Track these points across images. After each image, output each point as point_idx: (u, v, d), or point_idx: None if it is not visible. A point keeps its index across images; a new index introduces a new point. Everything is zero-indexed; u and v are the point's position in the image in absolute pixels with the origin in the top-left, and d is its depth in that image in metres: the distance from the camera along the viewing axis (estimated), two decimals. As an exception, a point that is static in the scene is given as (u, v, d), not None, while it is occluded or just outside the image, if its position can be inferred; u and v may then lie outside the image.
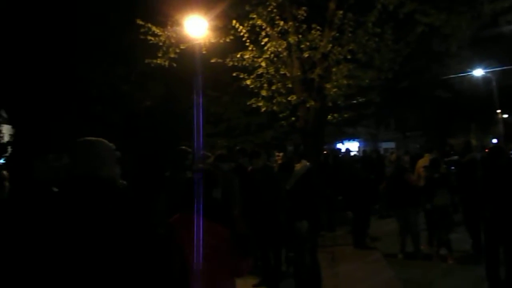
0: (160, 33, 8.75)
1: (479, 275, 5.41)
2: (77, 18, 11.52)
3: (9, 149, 12.45)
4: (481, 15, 8.99)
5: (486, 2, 8.87)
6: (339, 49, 8.69)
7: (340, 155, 13.23)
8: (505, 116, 27.61)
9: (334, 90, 9.04)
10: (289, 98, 9.27)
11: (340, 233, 9.18)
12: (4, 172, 3.47)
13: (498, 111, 25.05)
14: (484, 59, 20.96)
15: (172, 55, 8.93)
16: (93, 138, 2.16)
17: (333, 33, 8.70)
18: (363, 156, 14.81)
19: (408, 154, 13.49)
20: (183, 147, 5.37)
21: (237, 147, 7.56)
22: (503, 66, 20.58)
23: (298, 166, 5.41)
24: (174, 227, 2.68)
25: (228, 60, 9.21)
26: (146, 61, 9.10)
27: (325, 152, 11.71)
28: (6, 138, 12.69)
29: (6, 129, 13.01)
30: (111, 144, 2.19)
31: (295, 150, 11.95)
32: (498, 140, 24.48)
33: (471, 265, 6.42)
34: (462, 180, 7.11)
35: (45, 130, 10.56)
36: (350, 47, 8.73)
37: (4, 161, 12.00)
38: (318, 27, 8.62)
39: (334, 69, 8.98)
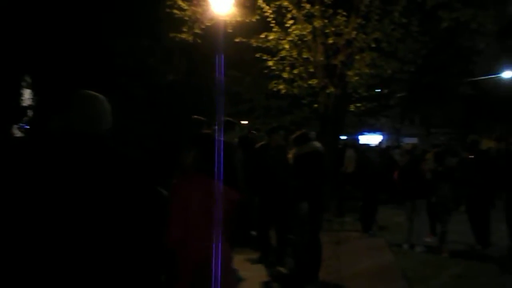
0: (185, 8, 8.80)
1: (482, 268, 5.79)
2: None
3: (29, 113, 12.66)
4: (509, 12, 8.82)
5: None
6: (364, 36, 8.64)
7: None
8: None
9: (356, 78, 9.04)
10: (309, 82, 9.29)
11: (349, 219, 9.29)
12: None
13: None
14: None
15: (197, 31, 9.00)
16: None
17: (358, 20, 8.65)
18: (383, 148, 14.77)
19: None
20: (195, 116, 5.37)
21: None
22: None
23: (304, 148, 5.24)
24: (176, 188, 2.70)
25: (252, 40, 9.22)
26: (171, 35, 9.19)
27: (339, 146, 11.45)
28: (27, 102, 12.91)
29: (28, 93, 13.24)
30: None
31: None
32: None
33: (472, 258, 6.57)
34: (467, 174, 7.13)
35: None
36: (375, 36, 8.68)
37: (24, 125, 12.28)
38: (344, 13, 8.56)
39: (357, 57, 8.94)
